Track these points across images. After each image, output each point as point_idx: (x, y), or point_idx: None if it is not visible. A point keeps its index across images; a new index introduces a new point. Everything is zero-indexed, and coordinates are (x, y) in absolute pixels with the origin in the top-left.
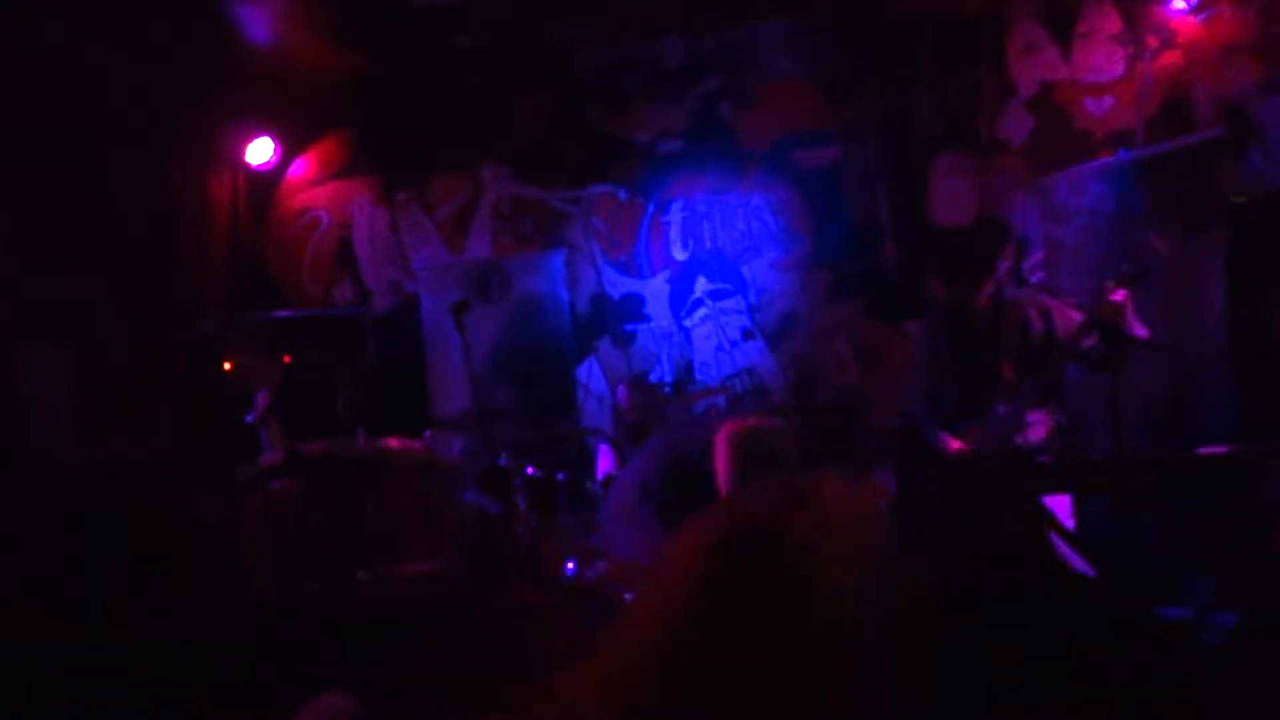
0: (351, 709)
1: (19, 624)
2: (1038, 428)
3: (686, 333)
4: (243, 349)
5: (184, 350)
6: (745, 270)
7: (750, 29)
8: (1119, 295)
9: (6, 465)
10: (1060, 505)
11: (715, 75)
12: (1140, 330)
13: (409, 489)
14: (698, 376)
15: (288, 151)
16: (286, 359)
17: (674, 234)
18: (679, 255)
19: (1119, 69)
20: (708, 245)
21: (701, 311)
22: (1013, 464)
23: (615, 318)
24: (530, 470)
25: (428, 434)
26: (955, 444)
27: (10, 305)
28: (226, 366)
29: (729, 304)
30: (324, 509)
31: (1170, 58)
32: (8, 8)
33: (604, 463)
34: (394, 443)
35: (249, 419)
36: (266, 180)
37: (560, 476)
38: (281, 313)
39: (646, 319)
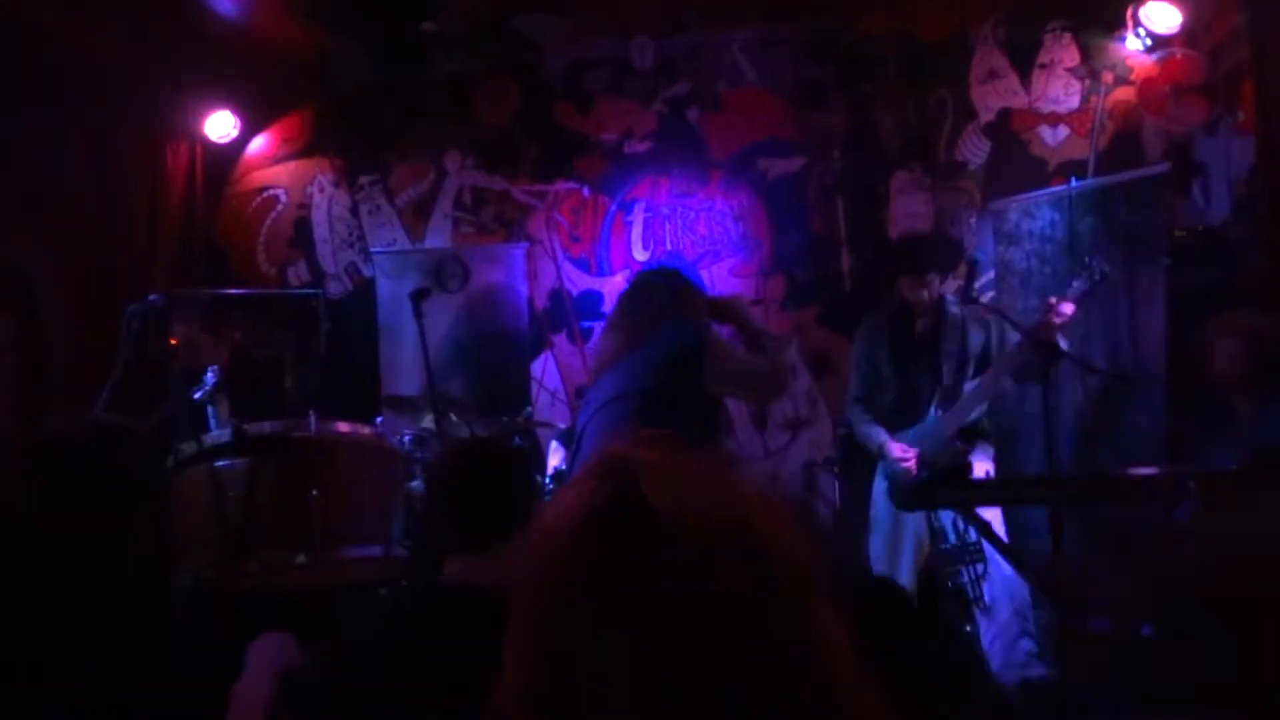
0: (293, 644)
1: None
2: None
3: None
4: (191, 325)
5: (129, 323)
6: (705, 274)
7: (720, 36)
8: (1066, 309)
9: None
10: (993, 516)
11: (683, 79)
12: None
13: (357, 473)
14: None
15: (248, 127)
16: (236, 337)
17: (635, 234)
18: (640, 255)
19: (1074, 101)
20: (668, 247)
21: None
22: (951, 474)
23: (573, 314)
24: None
25: (380, 420)
26: (897, 449)
27: None
28: (173, 341)
29: None
30: (269, 489)
31: (1124, 93)
32: None
33: (554, 458)
34: (344, 426)
35: (196, 395)
36: (225, 155)
37: None
38: (233, 290)
39: (604, 317)
